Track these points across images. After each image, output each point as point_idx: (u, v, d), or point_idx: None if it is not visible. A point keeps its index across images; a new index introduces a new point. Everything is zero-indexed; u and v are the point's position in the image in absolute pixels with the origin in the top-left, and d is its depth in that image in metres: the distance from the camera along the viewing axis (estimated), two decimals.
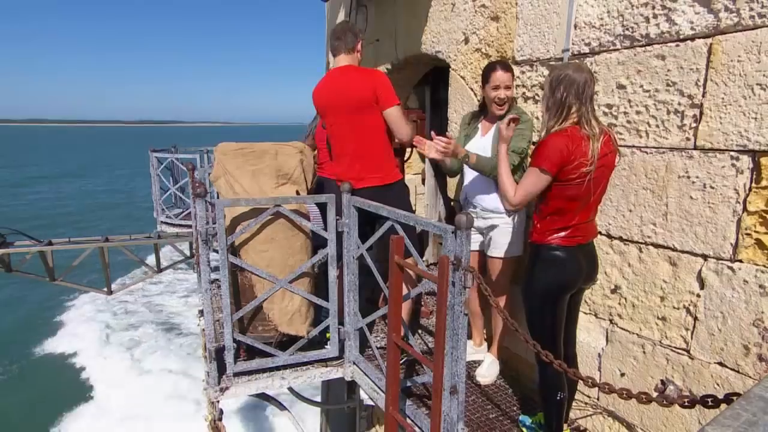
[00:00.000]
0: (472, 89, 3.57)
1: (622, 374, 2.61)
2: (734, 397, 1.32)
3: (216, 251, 3.12)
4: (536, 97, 3.03)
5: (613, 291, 2.62)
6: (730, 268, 2.09)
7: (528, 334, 1.95)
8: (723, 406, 1.30)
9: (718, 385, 2.16)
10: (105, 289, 7.92)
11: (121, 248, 7.77)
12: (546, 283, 2.26)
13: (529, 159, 2.45)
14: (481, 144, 3.00)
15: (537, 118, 3.04)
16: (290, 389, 3.51)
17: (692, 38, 2.16)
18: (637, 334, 2.52)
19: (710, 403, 1.36)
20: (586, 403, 2.79)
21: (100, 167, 69.31)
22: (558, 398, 2.32)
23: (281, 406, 3.86)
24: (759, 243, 1.99)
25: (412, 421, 2.55)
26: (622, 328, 2.60)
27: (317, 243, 3.19)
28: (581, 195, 2.16)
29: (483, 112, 3.11)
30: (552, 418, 2.40)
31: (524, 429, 2.76)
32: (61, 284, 7.69)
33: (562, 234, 2.21)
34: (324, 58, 6.87)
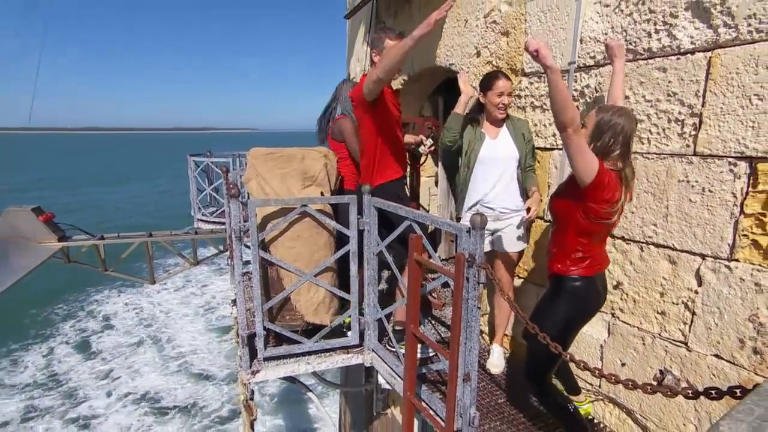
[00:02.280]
0: None
1: (623, 364, 2.60)
2: (737, 390, 1.31)
3: (248, 247, 3.17)
4: (544, 106, 3.02)
5: (616, 287, 2.60)
6: (727, 266, 2.06)
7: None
8: (726, 398, 1.29)
9: (714, 375, 2.14)
10: (149, 279, 8.08)
11: (162, 243, 7.91)
12: (569, 314, 2.21)
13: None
14: (499, 145, 2.95)
15: (545, 125, 3.03)
16: (314, 373, 3.53)
17: (692, 52, 2.14)
18: (638, 327, 2.50)
19: (713, 395, 1.34)
20: (588, 390, 2.77)
21: (144, 170, 71.47)
22: (570, 409, 2.33)
23: (306, 388, 3.89)
24: (755, 243, 1.96)
25: (428, 404, 2.56)
26: (623, 322, 2.59)
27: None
28: (603, 230, 2.15)
29: (477, 119, 3.02)
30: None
31: None
32: (111, 274, 7.83)
33: (585, 264, 2.16)
34: (345, 70, 6.90)
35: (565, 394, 2.64)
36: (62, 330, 18.59)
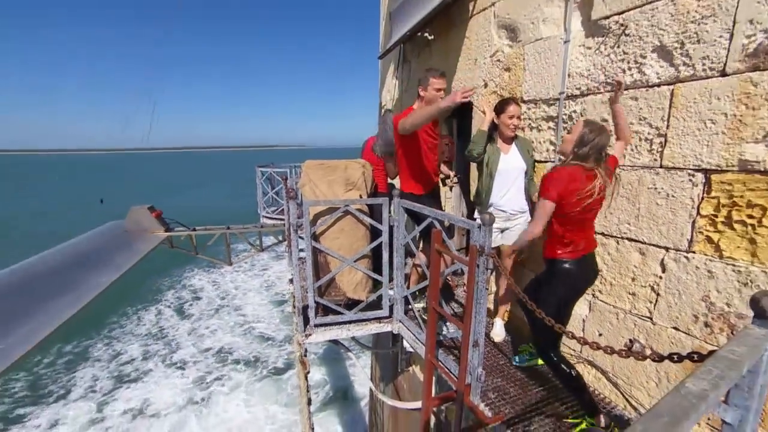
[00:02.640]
0: None
1: (600, 334, 2.62)
2: (694, 355, 1.35)
3: (301, 237, 3.28)
4: (539, 127, 3.04)
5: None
6: (686, 257, 2.08)
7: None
8: (686, 361, 1.33)
9: (672, 343, 2.16)
10: (227, 261, 8.44)
11: (237, 233, 8.20)
12: (563, 293, 2.20)
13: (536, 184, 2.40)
14: (511, 158, 2.97)
15: (540, 142, 3.06)
16: (353, 338, 3.63)
17: (659, 85, 2.16)
18: (613, 305, 2.53)
19: (675, 359, 1.38)
20: (571, 355, 2.80)
21: (223, 178, 75.23)
22: (572, 374, 2.19)
23: (346, 349, 4.00)
24: (708, 239, 1.98)
25: (443, 364, 2.63)
26: (602, 301, 2.61)
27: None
28: (581, 218, 2.13)
29: (492, 136, 3.02)
30: (581, 395, 2.22)
31: (522, 364, 2.85)
32: (201, 257, 8.22)
33: (569, 249, 2.16)
34: (378, 99, 6.96)
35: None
36: (166, 297, 20.07)
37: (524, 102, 3.14)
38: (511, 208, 3.00)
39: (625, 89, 2.33)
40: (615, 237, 2.50)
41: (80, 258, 5.27)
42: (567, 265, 2.17)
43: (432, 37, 4.50)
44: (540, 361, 2.81)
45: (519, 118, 2.93)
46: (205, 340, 15.76)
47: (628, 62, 2.29)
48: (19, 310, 3.98)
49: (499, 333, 3.23)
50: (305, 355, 3.34)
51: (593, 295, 2.67)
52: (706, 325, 1.99)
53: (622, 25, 2.30)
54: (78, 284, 4.58)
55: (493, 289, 3.60)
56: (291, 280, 3.88)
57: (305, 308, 3.19)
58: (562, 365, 2.20)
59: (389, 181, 3.88)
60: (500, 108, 2.94)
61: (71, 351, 15.16)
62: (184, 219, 8.03)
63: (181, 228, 7.83)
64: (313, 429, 3.69)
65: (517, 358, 2.91)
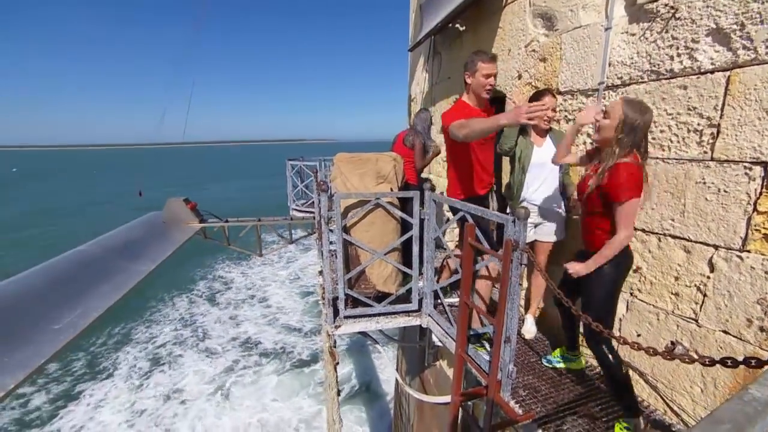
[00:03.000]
0: None
1: (639, 335, 2.49)
2: (752, 361, 1.23)
3: (332, 230, 3.27)
4: (575, 119, 2.91)
5: (635, 271, 2.49)
6: (739, 256, 1.93)
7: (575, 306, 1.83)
8: (741, 367, 1.22)
9: (720, 348, 2.02)
10: (258, 252, 8.62)
11: (268, 225, 8.35)
12: (616, 277, 2.10)
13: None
14: (544, 152, 2.85)
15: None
16: (381, 330, 3.62)
17: (712, 71, 2.00)
18: (653, 305, 2.39)
19: (729, 364, 1.27)
20: None
21: (253, 171, 77.53)
22: (623, 372, 2.12)
23: (374, 341, 3.99)
24: (766, 237, 1.83)
25: (473, 360, 2.57)
26: (640, 300, 2.48)
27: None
28: None
29: (525, 129, 2.91)
30: (625, 392, 2.14)
31: (555, 365, 2.74)
32: (232, 248, 8.42)
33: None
34: (407, 92, 6.89)
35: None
36: (198, 286, 20.85)
37: (560, 93, 3.01)
38: (544, 203, 2.90)
39: (672, 77, 2.19)
40: (657, 234, 2.36)
41: (121, 248, 5.49)
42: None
43: (464, 28, 4.39)
44: (573, 365, 2.70)
45: (554, 110, 2.81)
46: (234, 329, 16.25)
47: (677, 48, 2.14)
48: (72, 293, 4.19)
49: (530, 330, 3.14)
50: (334, 346, 3.35)
51: (631, 293, 2.54)
52: (762, 329, 1.85)
53: (672, 8, 2.15)
54: (120, 272, 4.78)
55: (525, 284, 3.49)
56: (321, 272, 3.89)
57: (335, 300, 3.19)
58: (615, 361, 2.09)
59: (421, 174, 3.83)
60: (534, 99, 2.82)
61: (119, 332, 16.07)
62: (216, 211, 8.23)
63: (214, 219, 8.05)
64: (340, 420, 3.70)
65: (548, 358, 2.81)
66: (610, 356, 2.10)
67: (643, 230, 2.44)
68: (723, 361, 1.29)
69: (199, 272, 22.51)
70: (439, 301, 3.16)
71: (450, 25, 4.43)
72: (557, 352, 2.81)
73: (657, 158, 2.31)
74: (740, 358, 1.25)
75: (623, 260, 2.08)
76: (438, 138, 4.87)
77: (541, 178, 2.88)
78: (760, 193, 1.84)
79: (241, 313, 17.62)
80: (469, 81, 2.63)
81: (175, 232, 7.10)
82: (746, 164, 1.88)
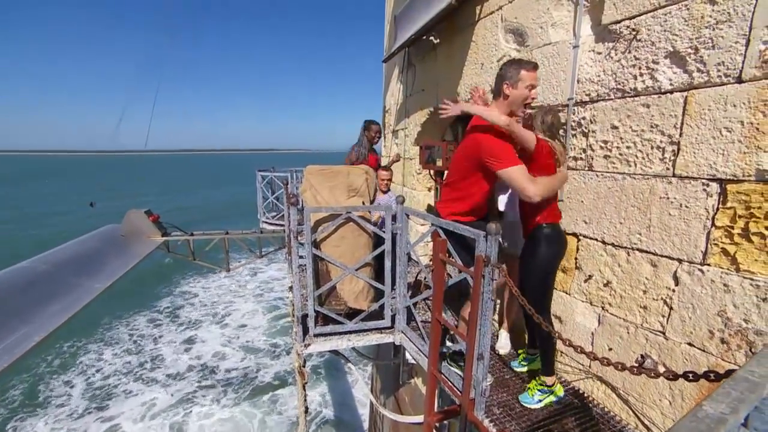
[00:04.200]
0: None
1: (610, 349, 2.58)
2: (711, 374, 1.32)
3: (302, 244, 3.27)
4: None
5: (605, 285, 2.60)
6: (700, 270, 2.05)
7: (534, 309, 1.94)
8: (701, 380, 1.30)
9: (686, 360, 2.12)
10: (225, 267, 8.45)
11: (236, 239, 8.22)
12: (551, 256, 2.44)
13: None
14: None
15: None
16: (353, 348, 3.61)
17: (671, 91, 2.14)
18: (623, 319, 2.49)
19: (691, 378, 1.35)
20: (579, 369, 2.77)
21: (220, 182, 75.69)
22: (553, 341, 2.47)
23: (346, 360, 3.97)
24: (724, 251, 1.95)
25: (447, 378, 2.60)
26: (611, 314, 2.58)
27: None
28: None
29: None
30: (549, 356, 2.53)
31: (518, 369, 2.92)
32: (198, 263, 8.22)
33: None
34: (381, 103, 6.98)
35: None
36: (160, 303, 20.13)
37: (531, 108, 3.12)
38: (515, 215, 2.98)
39: (636, 96, 2.33)
40: (625, 248, 2.46)
41: (74, 262, 5.27)
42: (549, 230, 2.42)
43: (437, 41, 4.52)
44: (533, 365, 2.80)
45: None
46: (192, 353, 15.49)
47: (640, 68, 2.28)
48: (13, 314, 3.97)
49: (504, 345, 3.20)
50: (304, 366, 3.32)
51: (602, 307, 2.64)
52: (723, 341, 1.96)
53: (633, 30, 2.29)
54: (71, 290, 4.58)
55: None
56: (291, 288, 3.86)
57: (305, 317, 3.18)
58: (548, 329, 2.11)
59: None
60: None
61: (67, 351, 15.15)
62: (181, 223, 8.05)
63: (178, 233, 7.86)
64: None
65: (513, 363, 2.93)
66: (544, 327, 2.19)
67: (613, 244, 2.54)
68: (685, 375, 1.37)
69: (161, 288, 21.76)
70: (413, 317, 3.19)
71: (424, 37, 4.55)
72: (522, 355, 2.92)
73: (624, 173, 2.43)
74: (701, 372, 1.33)
75: (556, 243, 2.38)
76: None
77: (506, 189, 2.99)
78: (717, 209, 1.97)
79: (201, 334, 16.89)
80: (508, 91, 2.36)
81: (134, 246, 6.87)
82: (704, 180, 2.01)
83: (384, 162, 5.33)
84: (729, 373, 1.09)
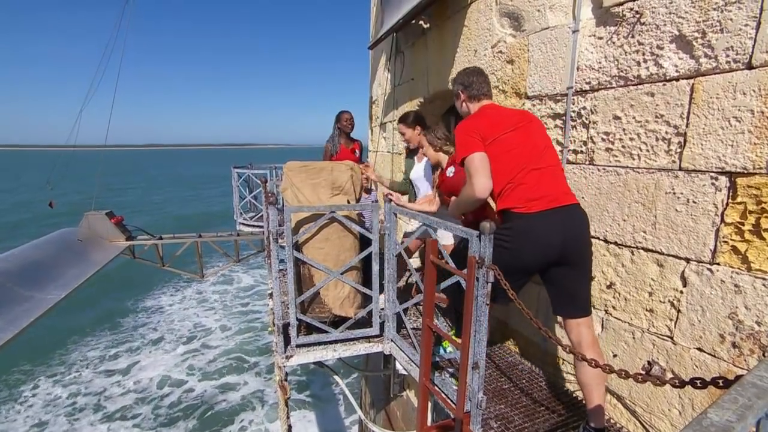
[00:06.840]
0: None
1: (615, 355, 2.60)
2: (720, 381, 1.31)
3: (282, 247, 3.23)
4: (546, 125, 3.02)
5: (609, 287, 2.61)
6: (709, 269, 2.07)
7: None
8: (710, 387, 1.30)
9: (696, 366, 2.14)
10: (198, 273, 8.29)
11: (210, 242, 8.09)
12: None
13: None
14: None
15: None
16: (340, 359, 3.58)
17: (677, 79, 2.15)
18: (628, 323, 2.51)
19: (699, 385, 1.35)
20: None
21: (195, 179, 74.46)
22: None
23: (332, 372, 3.94)
24: (734, 249, 1.97)
25: (440, 389, 2.59)
26: (615, 318, 2.59)
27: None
28: None
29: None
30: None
31: (447, 357, 2.93)
32: (168, 269, 8.03)
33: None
34: (368, 93, 6.95)
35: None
36: (124, 318, 19.21)
37: (528, 98, 3.14)
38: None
39: (640, 84, 2.34)
40: (630, 247, 2.48)
41: (21, 272, 5.08)
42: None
43: (428, 25, 4.51)
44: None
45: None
46: (151, 376, 14.41)
47: (644, 54, 2.29)
48: None
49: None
50: (286, 379, 3.28)
51: (606, 311, 2.65)
52: (734, 345, 1.97)
53: (637, 12, 2.30)
54: (18, 302, 4.42)
55: None
56: (270, 295, 3.81)
57: (286, 326, 3.13)
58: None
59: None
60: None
61: (6, 381, 13.82)
62: (150, 226, 7.89)
63: (144, 236, 7.69)
64: None
65: (440, 349, 2.97)
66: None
67: (616, 243, 2.56)
68: (692, 382, 1.37)
69: (126, 300, 20.70)
70: (403, 325, 3.17)
71: (413, 21, 4.53)
72: (445, 342, 2.96)
73: (627, 167, 2.44)
74: (709, 378, 1.33)
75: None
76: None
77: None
78: (727, 204, 1.98)
79: (177, 351, 16.10)
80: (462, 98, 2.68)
81: (94, 252, 6.71)
82: (712, 174, 2.03)
83: (370, 148, 5.34)
84: (739, 379, 1.09)
